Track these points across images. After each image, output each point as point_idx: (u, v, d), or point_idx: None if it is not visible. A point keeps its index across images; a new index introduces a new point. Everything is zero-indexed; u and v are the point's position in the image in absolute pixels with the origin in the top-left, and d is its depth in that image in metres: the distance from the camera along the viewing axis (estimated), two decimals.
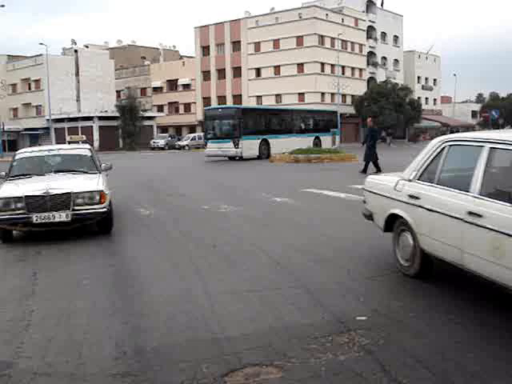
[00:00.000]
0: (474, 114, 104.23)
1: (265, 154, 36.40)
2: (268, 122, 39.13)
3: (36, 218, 9.55)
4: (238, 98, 78.60)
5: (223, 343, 4.94)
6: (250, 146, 35.52)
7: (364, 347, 4.73)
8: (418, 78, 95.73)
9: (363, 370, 4.30)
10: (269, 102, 72.52)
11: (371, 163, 22.28)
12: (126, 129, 69.66)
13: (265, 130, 37.86)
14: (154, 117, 78.53)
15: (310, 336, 5.00)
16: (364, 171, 21.73)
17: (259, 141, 36.34)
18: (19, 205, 9.61)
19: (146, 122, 72.48)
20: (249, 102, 74.75)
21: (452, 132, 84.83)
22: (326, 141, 43.14)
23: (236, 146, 34.83)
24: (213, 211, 12.94)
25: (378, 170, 21.48)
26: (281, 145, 36.93)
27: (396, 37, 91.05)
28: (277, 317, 5.57)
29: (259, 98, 77.40)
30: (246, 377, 4.28)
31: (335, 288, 6.52)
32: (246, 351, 4.73)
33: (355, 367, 4.35)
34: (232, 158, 35.93)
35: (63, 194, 9.70)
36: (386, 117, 71.17)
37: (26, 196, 9.60)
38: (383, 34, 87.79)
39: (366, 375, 4.21)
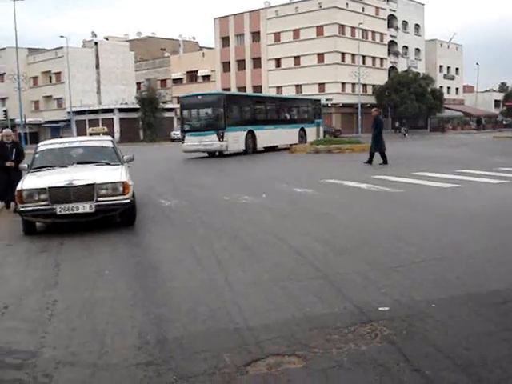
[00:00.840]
0: (496, 103, 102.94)
1: (250, 148, 32.66)
2: (253, 111, 34.70)
3: (60, 209, 9.62)
4: (257, 88, 78.44)
5: (245, 333, 4.95)
6: (235, 138, 31.30)
7: (386, 338, 4.71)
8: (440, 67, 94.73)
9: (385, 360, 4.28)
10: (289, 93, 72.25)
11: (378, 154, 21.71)
12: (146, 120, 69.89)
13: (250, 120, 33.64)
14: (174, 108, 78.66)
15: (331, 326, 4.99)
16: (369, 162, 21.52)
17: (245, 132, 32.14)
18: (43, 196, 9.69)
19: (166, 114, 72.70)
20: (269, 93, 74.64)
21: (478, 122, 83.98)
22: (311, 133, 39.30)
23: (220, 138, 30.06)
24: (233, 202, 12.95)
25: (385, 162, 21.24)
26: (267, 137, 34.01)
27: (417, 25, 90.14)
28: (298, 307, 5.57)
29: (279, 88, 77.20)
30: (268, 366, 4.29)
31: (357, 278, 6.50)
32: (268, 341, 4.73)
33: (377, 357, 4.33)
34: (212, 154, 32.40)
35: (87, 185, 9.76)
36: (408, 106, 70.64)
37: (49, 187, 9.68)
38: (404, 23, 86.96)
39: (389, 365, 4.19)
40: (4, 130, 14.76)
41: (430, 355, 4.33)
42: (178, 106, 39.36)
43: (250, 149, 32.60)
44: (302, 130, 38.34)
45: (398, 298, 5.72)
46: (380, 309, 5.41)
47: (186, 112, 32.45)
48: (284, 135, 35.58)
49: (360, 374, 4.11)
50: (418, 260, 7.17)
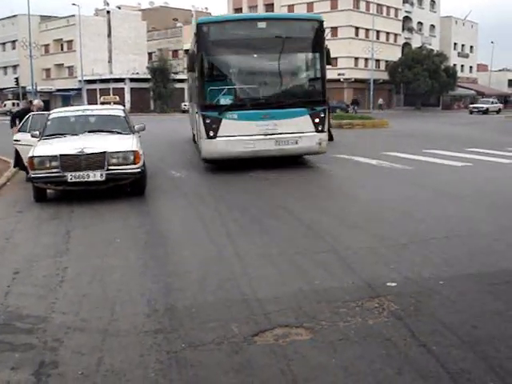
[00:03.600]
0: (510, 82, 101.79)
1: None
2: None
3: (71, 176, 9.66)
4: None
5: (253, 304, 4.98)
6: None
7: (394, 313, 4.73)
8: (455, 44, 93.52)
9: (392, 335, 4.31)
10: None
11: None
12: (157, 91, 69.57)
13: None
14: (186, 79, 78.30)
15: (339, 300, 5.02)
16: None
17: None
18: (54, 163, 9.72)
19: (178, 85, 72.19)
20: None
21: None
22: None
23: (318, 124, 13.65)
24: (244, 175, 12.93)
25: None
26: None
27: (433, 1, 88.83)
28: (307, 280, 5.60)
29: None
30: (276, 337, 4.33)
31: (366, 254, 6.51)
32: (276, 312, 4.77)
33: (384, 332, 4.36)
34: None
35: (98, 153, 9.78)
36: (420, 83, 70.01)
37: (60, 155, 9.71)
38: None
39: (395, 340, 4.21)
40: (35, 101, 14.88)
41: (437, 332, 4.35)
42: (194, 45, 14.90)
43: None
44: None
45: (407, 274, 5.73)
46: (388, 284, 5.42)
47: (217, 60, 13.68)
48: None
49: (367, 347, 4.14)
50: (428, 237, 7.16)
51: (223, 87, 13.11)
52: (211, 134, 12.97)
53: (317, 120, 13.42)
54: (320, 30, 13.56)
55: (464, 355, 3.96)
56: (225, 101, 13.02)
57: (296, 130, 13.23)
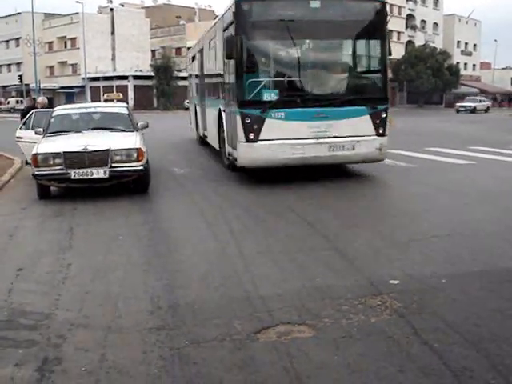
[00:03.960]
0: None
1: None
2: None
3: (74, 173, 9.69)
4: None
5: (256, 301, 4.99)
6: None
7: (396, 311, 4.74)
8: (458, 42, 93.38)
9: (395, 332, 4.31)
10: None
11: None
12: (160, 88, 69.59)
13: None
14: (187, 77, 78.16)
15: (342, 297, 5.03)
16: None
17: None
18: (57, 160, 9.75)
19: (181, 82, 72.19)
20: None
21: (494, 99, 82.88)
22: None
23: (379, 127, 11.50)
24: (246, 173, 12.89)
25: None
26: None
27: None
28: (310, 278, 5.60)
29: None
30: (279, 334, 4.33)
31: (369, 251, 6.52)
32: (279, 310, 4.78)
33: (387, 330, 4.36)
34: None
35: (102, 150, 9.79)
36: (424, 81, 69.89)
37: (64, 152, 9.73)
38: None
39: (398, 338, 4.22)
40: (39, 98, 14.94)
41: (440, 329, 4.35)
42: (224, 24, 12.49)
43: None
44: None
45: (409, 272, 5.73)
46: (391, 282, 5.42)
47: (260, 46, 11.46)
48: None
49: (369, 345, 4.14)
50: (431, 235, 7.16)
51: (267, 79, 11.06)
52: (251, 136, 10.73)
53: (377, 121, 11.31)
54: (383, 13, 11.60)
55: (466, 353, 3.96)
56: (269, 96, 10.77)
57: (353, 133, 11.16)
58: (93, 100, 65.37)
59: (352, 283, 5.44)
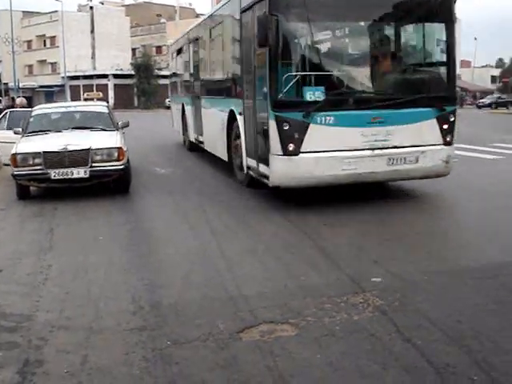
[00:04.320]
0: (493, 79, 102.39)
1: None
2: None
3: (54, 173, 9.59)
4: None
5: (239, 301, 4.98)
6: None
7: (378, 308, 4.75)
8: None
9: (377, 330, 4.32)
10: None
11: None
12: (140, 87, 69.38)
13: None
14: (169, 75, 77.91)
15: (324, 296, 5.03)
16: None
17: None
18: (37, 160, 9.65)
19: (162, 81, 72.00)
20: None
21: (474, 97, 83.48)
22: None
23: (447, 133, 9.06)
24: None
25: None
26: None
27: None
28: (292, 276, 5.60)
29: None
30: (261, 334, 4.32)
31: (350, 249, 6.53)
32: (262, 309, 4.77)
33: (369, 327, 4.37)
34: None
35: (82, 150, 9.71)
36: None
37: (44, 152, 9.63)
38: None
39: (380, 335, 4.23)
40: (18, 99, 14.91)
41: (422, 327, 4.37)
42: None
43: None
44: None
45: (391, 269, 5.74)
46: (373, 279, 5.44)
47: (300, 30, 8.73)
48: None
49: (352, 343, 4.15)
50: (413, 232, 7.20)
51: (309, 73, 8.38)
52: (291, 147, 8.14)
53: (445, 126, 8.82)
54: None
55: (449, 350, 3.98)
56: (314, 95, 8.17)
57: (417, 142, 8.69)
58: (73, 99, 64.91)
59: (334, 281, 5.45)
